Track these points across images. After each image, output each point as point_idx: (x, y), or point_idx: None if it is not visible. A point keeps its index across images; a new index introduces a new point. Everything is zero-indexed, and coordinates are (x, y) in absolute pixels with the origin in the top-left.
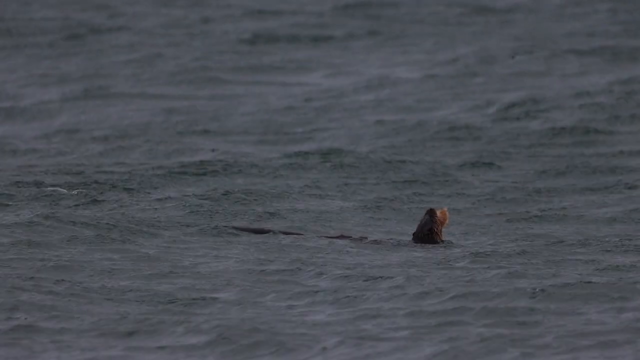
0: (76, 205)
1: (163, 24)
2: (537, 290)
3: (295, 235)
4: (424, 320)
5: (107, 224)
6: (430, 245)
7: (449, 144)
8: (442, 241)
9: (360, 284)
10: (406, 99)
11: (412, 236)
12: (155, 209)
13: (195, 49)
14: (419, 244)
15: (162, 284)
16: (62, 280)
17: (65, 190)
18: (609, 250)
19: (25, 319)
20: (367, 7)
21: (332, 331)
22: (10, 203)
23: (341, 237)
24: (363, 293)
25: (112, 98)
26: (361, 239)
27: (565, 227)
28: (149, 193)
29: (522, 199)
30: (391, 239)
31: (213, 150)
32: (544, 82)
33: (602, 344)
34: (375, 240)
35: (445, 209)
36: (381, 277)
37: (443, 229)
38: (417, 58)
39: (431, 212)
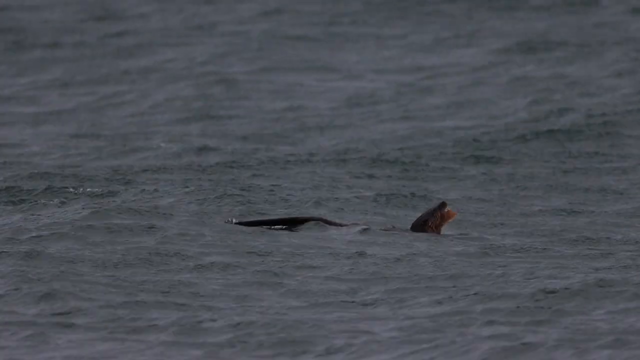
0: (89, 203)
1: (169, 25)
2: (547, 288)
3: (313, 225)
4: (432, 320)
5: (118, 220)
6: (425, 236)
7: (458, 146)
8: (437, 234)
9: (370, 280)
10: (416, 103)
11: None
12: (168, 204)
13: (205, 49)
14: (415, 232)
15: (175, 279)
16: (76, 274)
17: (75, 189)
18: (621, 249)
19: (40, 312)
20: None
21: (339, 330)
22: (20, 202)
23: (354, 225)
24: (373, 291)
25: (117, 100)
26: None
27: (576, 225)
28: (160, 190)
29: (532, 197)
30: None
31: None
32: (556, 83)
33: (614, 343)
34: (389, 229)
35: (456, 213)
36: (391, 276)
37: (444, 225)
38: (428, 60)
39: (440, 205)
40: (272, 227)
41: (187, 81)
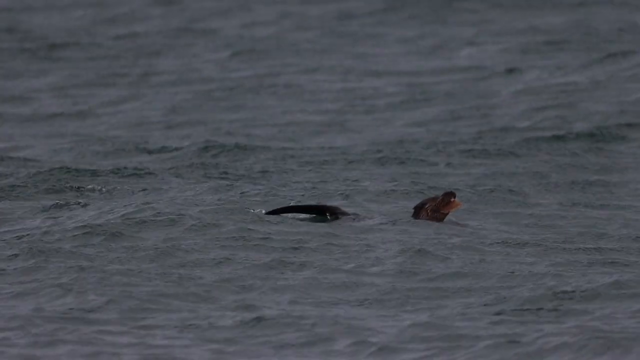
0: (104, 202)
1: (171, 28)
2: (557, 287)
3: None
4: (439, 319)
5: (134, 218)
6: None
7: (464, 145)
8: (438, 221)
9: (377, 275)
10: (421, 103)
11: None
12: (186, 199)
13: (207, 52)
14: (415, 217)
15: (185, 274)
16: (94, 270)
17: (88, 189)
18: (632, 248)
19: (57, 308)
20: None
21: (346, 327)
22: (30, 200)
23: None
24: (380, 288)
25: (120, 102)
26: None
27: (585, 223)
28: (175, 187)
29: (539, 195)
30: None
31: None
32: (563, 85)
33: (629, 345)
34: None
35: (460, 205)
36: (398, 271)
37: (446, 213)
38: (434, 61)
39: (445, 194)
40: (288, 214)
41: (191, 83)
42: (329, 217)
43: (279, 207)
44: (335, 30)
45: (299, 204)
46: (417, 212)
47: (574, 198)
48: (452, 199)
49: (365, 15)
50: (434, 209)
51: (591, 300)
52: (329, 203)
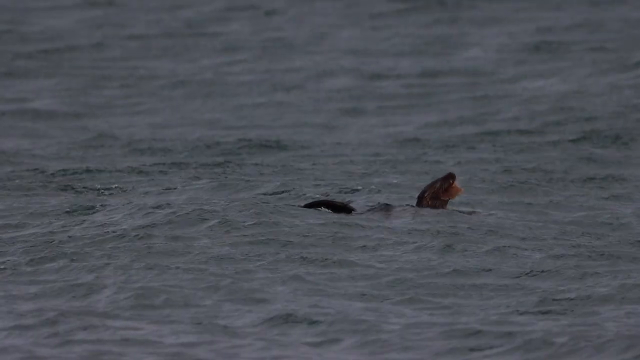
0: (118, 202)
1: (171, 31)
2: (574, 290)
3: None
4: (444, 317)
5: (147, 216)
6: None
7: (470, 142)
8: (435, 207)
9: (385, 270)
10: (425, 102)
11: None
12: (198, 198)
13: (208, 54)
14: (418, 205)
15: (208, 268)
16: (114, 268)
17: (100, 189)
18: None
19: (69, 308)
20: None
21: (357, 323)
22: (36, 200)
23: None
24: (387, 285)
25: (122, 104)
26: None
27: (596, 221)
28: (185, 186)
29: (547, 193)
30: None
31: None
32: (571, 87)
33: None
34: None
35: (461, 190)
36: (409, 267)
37: (447, 199)
38: (438, 61)
39: (444, 177)
40: (318, 208)
41: (194, 85)
42: (347, 213)
43: (312, 201)
44: (339, 31)
45: (327, 199)
46: (420, 201)
47: (580, 195)
48: (451, 181)
49: (370, 16)
50: (433, 196)
51: (608, 300)
52: (339, 199)
